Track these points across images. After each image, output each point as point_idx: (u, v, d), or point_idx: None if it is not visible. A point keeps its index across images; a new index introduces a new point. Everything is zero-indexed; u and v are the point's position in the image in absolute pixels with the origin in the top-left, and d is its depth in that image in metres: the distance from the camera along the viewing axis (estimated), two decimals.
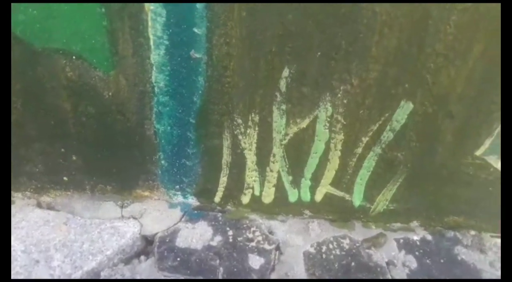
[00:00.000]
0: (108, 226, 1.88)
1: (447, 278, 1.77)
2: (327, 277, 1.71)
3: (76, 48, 1.56)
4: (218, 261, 1.74)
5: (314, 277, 1.71)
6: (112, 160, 1.89)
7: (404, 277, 1.76)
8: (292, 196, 1.97)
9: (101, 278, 1.66)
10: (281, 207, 2.02)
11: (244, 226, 1.94)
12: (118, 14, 1.48)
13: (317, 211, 2.03)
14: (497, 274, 1.81)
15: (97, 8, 1.46)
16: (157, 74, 1.61)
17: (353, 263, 1.80)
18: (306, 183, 1.92)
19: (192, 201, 2.05)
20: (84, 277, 1.65)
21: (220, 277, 1.69)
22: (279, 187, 1.95)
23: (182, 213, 1.99)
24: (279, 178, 1.92)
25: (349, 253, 1.85)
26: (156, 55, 1.56)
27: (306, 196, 1.97)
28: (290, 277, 1.71)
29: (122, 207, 2.00)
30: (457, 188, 1.89)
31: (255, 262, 1.76)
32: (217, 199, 2.02)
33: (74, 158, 1.89)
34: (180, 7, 1.45)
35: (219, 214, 2.01)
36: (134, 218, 1.94)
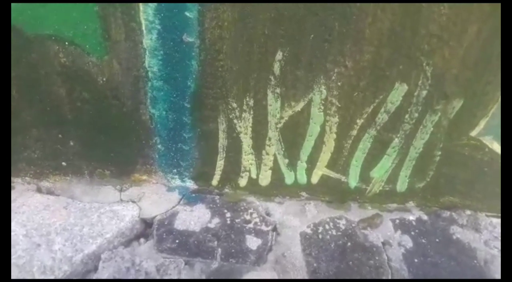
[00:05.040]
0: (107, 209, 1.90)
1: (443, 256, 1.80)
2: (323, 257, 1.74)
3: (68, 34, 1.56)
4: (216, 242, 1.77)
5: (310, 257, 1.74)
6: (109, 145, 1.91)
7: (400, 256, 1.79)
8: (289, 178, 1.99)
9: (102, 260, 1.69)
10: (278, 189, 2.05)
11: (242, 208, 1.97)
12: None
13: (314, 193, 2.05)
14: (492, 253, 1.83)
15: None
16: (150, 59, 1.61)
17: (349, 243, 1.82)
18: (302, 165, 1.93)
19: (190, 184, 2.07)
20: (85, 260, 1.69)
21: (218, 258, 1.72)
22: (276, 170, 1.96)
23: (180, 196, 2.02)
24: (276, 161, 1.93)
25: (345, 233, 1.88)
26: (148, 40, 1.56)
27: (302, 178, 1.99)
28: (287, 258, 1.74)
29: (120, 191, 2.03)
30: (453, 168, 1.90)
31: (253, 243, 1.79)
32: (214, 182, 2.04)
33: (71, 143, 1.90)
34: None
35: (217, 197, 2.03)
36: (133, 202, 1.97)
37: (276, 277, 1.68)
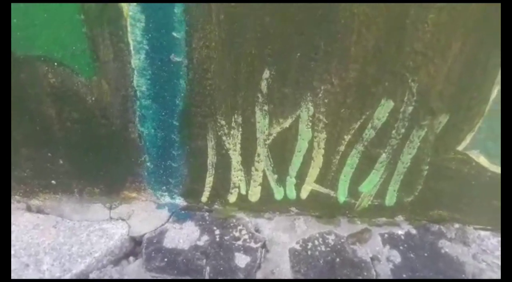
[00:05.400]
0: (97, 228, 1.90)
1: (431, 271, 1.80)
2: (311, 274, 1.75)
3: (57, 55, 1.57)
4: (204, 261, 1.77)
5: (299, 275, 1.74)
6: (98, 163, 1.91)
7: (388, 272, 1.79)
8: (278, 194, 2.00)
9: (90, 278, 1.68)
10: (267, 205, 2.05)
11: (231, 224, 1.97)
12: (97, 20, 1.49)
13: (303, 208, 2.06)
14: (480, 267, 1.84)
15: (76, 15, 1.47)
16: (139, 78, 1.62)
17: (337, 259, 1.83)
18: (291, 181, 1.94)
19: (180, 201, 2.07)
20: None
21: (207, 277, 1.72)
22: (265, 186, 1.97)
23: (169, 214, 2.02)
24: (265, 177, 1.94)
25: (334, 249, 1.88)
26: (136, 60, 1.58)
27: (291, 194, 2.00)
28: (276, 275, 1.75)
29: (110, 208, 2.03)
30: (441, 182, 1.91)
31: (241, 260, 1.79)
32: (204, 198, 2.04)
33: (61, 162, 1.90)
34: (159, 12, 1.46)
35: (206, 214, 2.03)
36: (122, 220, 1.97)
37: None
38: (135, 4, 1.44)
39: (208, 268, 1.75)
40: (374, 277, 1.76)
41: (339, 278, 1.74)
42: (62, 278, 1.66)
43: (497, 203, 1.96)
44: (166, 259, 1.77)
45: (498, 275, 1.81)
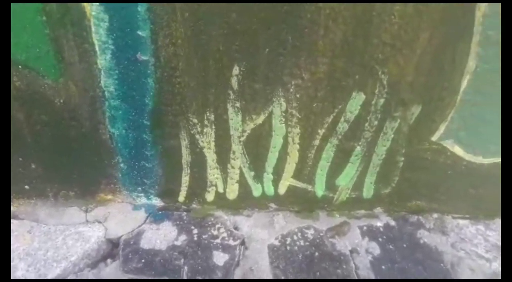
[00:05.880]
0: (73, 231, 1.88)
1: (410, 262, 1.81)
2: (290, 269, 1.74)
3: (21, 57, 1.55)
4: (182, 260, 1.76)
5: (278, 270, 1.74)
6: (71, 166, 1.89)
7: (367, 264, 1.79)
8: (256, 190, 1.99)
9: None
10: (246, 201, 2.04)
11: (209, 223, 1.96)
12: (60, 21, 1.47)
13: (282, 204, 2.05)
14: (458, 255, 1.85)
15: (38, 16, 1.45)
16: (106, 79, 1.60)
17: (316, 253, 1.82)
18: (268, 177, 1.94)
19: (156, 201, 2.05)
20: None
21: (184, 276, 1.70)
22: (242, 183, 1.96)
23: (146, 215, 2.00)
24: (242, 174, 1.93)
25: (313, 243, 1.88)
26: (102, 60, 1.55)
27: (269, 190, 1.99)
28: (255, 271, 1.74)
29: (86, 211, 2.01)
30: (417, 173, 1.92)
31: (220, 258, 1.78)
32: (181, 198, 2.03)
33: (33, 166, 1.88)
34: (122, 11, 1.44)
35: (184, 213, 2.02)
36: (99, 222, 1.95)
37: None
38: (97, 4, 1.42)
39: (186, 267, 1.74)
40: (353, 270, 1.76)
41: (317, 272, 1.73)
42: None
43: (474, 192, 1.97)
44: (143, 260, 1.76)
45: (476, 263, 1.82)
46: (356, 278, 1.73)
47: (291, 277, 1.71)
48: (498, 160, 1.84)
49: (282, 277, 1.71)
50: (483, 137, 1.77)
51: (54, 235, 1.85)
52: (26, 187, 1.96)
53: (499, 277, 1.76)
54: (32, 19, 1.45)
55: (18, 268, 1.69)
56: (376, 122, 1.73)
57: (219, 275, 1.71)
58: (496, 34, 1.50)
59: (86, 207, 2.02)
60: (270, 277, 1.71)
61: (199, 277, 1.70)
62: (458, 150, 1.83)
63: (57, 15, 1.45)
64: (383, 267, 1.79)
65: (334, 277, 1.72)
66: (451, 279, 1.73)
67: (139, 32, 1.49)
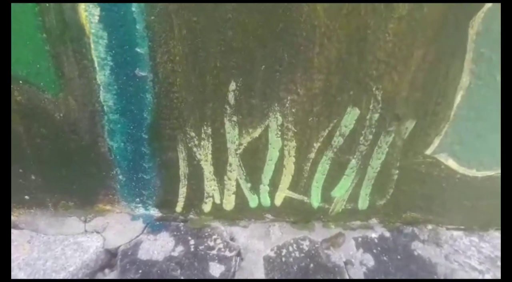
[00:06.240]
0: (72, 241, 1.90)
1: (404, 274, 1.83)
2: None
3: (22, 73, 1.57)
4: (179, 271, 1.79)
5: None
6: (71, 177, 1.92)
7: (361, 276, 1.82)
8: (252, 201, 2.02)
9: None
10: (242, 212, 2.07)
11: (206, 234, 1.98)
12: (60, 38, 1.49)
13: (278, 214, 2.08)
14: (452, 267, 1.87)
15: (38, 34, 1.47)
16: (105, 94, 1.63)
17: (311, 265, 1.85)
18: (264, 188, 1.96)
19: (154, 212, 2.08)
20: None
21: None
22: (239, 194, 1.99)
23: (144, 225, 2.03)
24: (238, 186, 1.96)
25: (308, 254, 1.90)
26: (102, 76, 1.58)
27: (266, 201, 2.02)
28: None
29: (85, 221, 2.03)
30: (411, 185, 1.94)
31: (216, 269, 1.80)
32: (178, 209, 2.05)
33: (33, 177, 1.90)
34: (120, 29, 1.47)
35: (181, 224, 2.04)
36: (97, 232, 1.97)
37: None
38: (96, 21, 1.45)
39: (182, 278, 1.76)
40: None
41: None
42: None
43: (468, 203, 2.00)
44: (140, 271, 1.78)
45: (469, 275, 1.84)
46: None
47: None
48: (491, 172, 1.87)
49: None
50: (476, 151, 1.80)
51: (54, 245, 1.88)
52: (26, 197, 1.99)
53: None
54: (33, 36, 1.48)
55: (17, 277, 1.72)
56: (370, 137, 1.76)
57: None
58: (488, 51, 1.53)
59: (85, 217, 2.05)
60: None
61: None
62: (452, 163, 1.85)
63: (56, 32, 1.48)
64: (377, 279, 1.81)
65: None
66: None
67: (138, 49, 1.51)
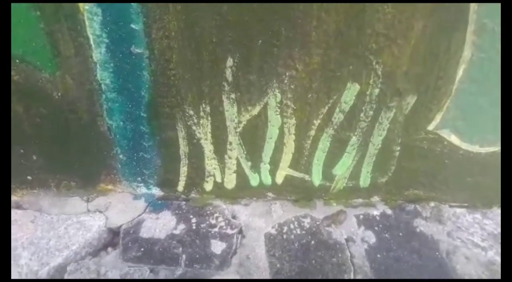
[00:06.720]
0: (75, 221, 1.92)
1: (405, 250, 1.83)
2: (286, 257, 1.77)
3: (18, 52, 1.57)
4: (180, 249, 1.80)
5: (274, 258, 1.77)
6: (72, 157, 1.93)
7: (363, 252, 1.82)
8: (253, 180, 2.01)
9: (67, 272, 1.71)
10: (244, 191, 2.07)
11: (208, 212, 1.99)
12: (54, 16, 1.48)
13: (280, 193, 2.07)
14: (454, 244, 1.86)
15: (32, 11, 1.46)
16: (102, 72, 1.62)
17: (312, 242, 1.85)
18: (265, 167, 1.96)
19: (156, 191, 2.09)
20: (51, 273, 1.71)
21: (182, 264, 1.74)
22: (240, 173, 1.99)
23: (146, 204, 2.04)
24: (239, 164, 1.95)
25: (309, 231, 1.90)
26: (98, 54, 1.57)
27: (267, 180, 2.01)
28: (251, 260, 1.77)
29: (87, 201, 2.05)
30: (414, 162, 1.92)
31: (217, 247, 1.81)
32: (180, 187, 2.06)
33: (34, 157, 1.92)
34: (115, 5, 1.45)
35: (183, 202, 2.05)
36: (100, 212, 1.99)
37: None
38: None
39: (184, 256, 1.78)
40: (349, 258, 1.78)
41: (313, 260, 1.76)
42: (40, 271, 1.69)
43: (471, 180, 1.98)
44: (142, 249, 1.80)
45: (472, 252, 1.83)
46: (350, 264, 1.75)
47: (286, 265, 1.74)
48: (495, 149, 1.84)
49: (278, 265, 1.74)
50: (479, 127, 1.77)
51: (57, 225, 1.90)
52: (29, 177, 2.00)
53: (494, 266, 1.77)
54: (26, 14, 1.47)
55: (21, 256, 1.75)
56: (371, 113, 1.74)
57: (216, 263, 1.74)
58: (491, 22, 1.49)
59: (87, 197, 2.07)
60: (266, 265, 1.75)
61: (196, 266, 1.74)
62: (454, 139, 1.82)
63: (50, 9, 1.47)
64: (378, 255, 1.81)
65: (330, 266, 1.74)
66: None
67: (133, 26, 1.50)
